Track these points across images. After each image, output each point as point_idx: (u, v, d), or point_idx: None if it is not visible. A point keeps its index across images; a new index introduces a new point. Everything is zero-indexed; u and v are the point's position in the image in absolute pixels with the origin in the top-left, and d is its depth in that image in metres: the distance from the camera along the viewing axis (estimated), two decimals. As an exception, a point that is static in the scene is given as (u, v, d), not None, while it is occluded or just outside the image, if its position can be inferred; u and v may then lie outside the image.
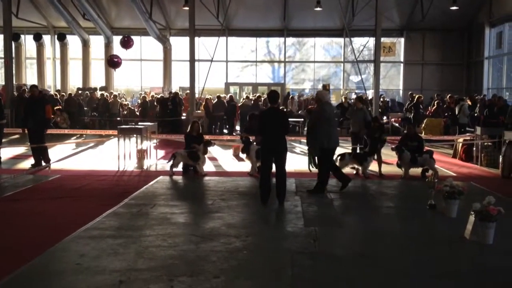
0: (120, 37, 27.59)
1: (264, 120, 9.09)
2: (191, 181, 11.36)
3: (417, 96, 22.49)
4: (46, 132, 13.21)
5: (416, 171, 11.93)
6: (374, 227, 7.70)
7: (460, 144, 15.25)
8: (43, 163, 12.65)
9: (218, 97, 23.81)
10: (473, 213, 6.70)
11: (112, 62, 24.74)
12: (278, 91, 25.64)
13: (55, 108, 18.45)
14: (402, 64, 32.17)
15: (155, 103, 24.06)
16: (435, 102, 22.22)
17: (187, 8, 24.15)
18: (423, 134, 19.84)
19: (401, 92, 31.91)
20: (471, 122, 19.51)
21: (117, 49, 30.01)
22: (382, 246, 6.72)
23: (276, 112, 9.21)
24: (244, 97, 25.62)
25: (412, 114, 22.63)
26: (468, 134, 17.05)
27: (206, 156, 12.16)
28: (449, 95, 22.66)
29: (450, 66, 31.42)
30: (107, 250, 6.18)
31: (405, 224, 7.99)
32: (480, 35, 29.07)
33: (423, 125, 20.32)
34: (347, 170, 12.09)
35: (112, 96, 24.90)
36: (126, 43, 25.39)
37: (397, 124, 23.20)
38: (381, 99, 26.71)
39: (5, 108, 14.64)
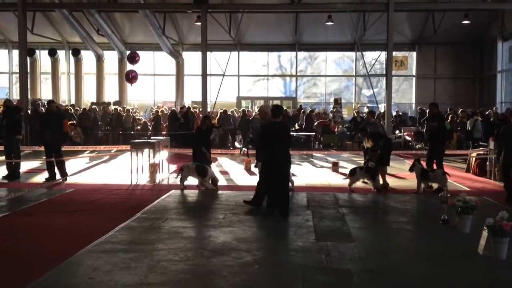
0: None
1: (266, 134, 9.28)
2: (202, 195, 11.39)
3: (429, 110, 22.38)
4: (63, 146, 13.39)
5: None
6: (386, 242, 7.67)
7: (474, 159, 15.15)
8: (60, 177, 12.78)
9: (225, 111, 23.85)
10: (486, 228, 6.66)
11: (129, 77, 25.06)
12: (290, 105, 25.74)
13: (69, 122, 18.63)
14: (414, 78, 32.12)
15: (167, 119, 24.15)
16: (449, 116, 22.11)
17: (199, 24, 24.42)
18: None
19: (413, 106, 31.83)
20: (485, 136, 19.34)
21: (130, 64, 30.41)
22: (394, 261, 6.68)
23: (279, 125, 9.43)
24: (256, 111, 25.64)
25: (425, 128, 22.48)
26: (481, 148, 16.93)
27: (217, 170, 12.26)
28: (461, 109, 22.55)
29: (463, 80, 31.31)
30: (119, 264, 6.22)
31: (417, 239, 7.95)
32: (492, 48, 28.98)
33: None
34: (358, 184, 12.11)
35: (125, 111, 25.12)
36: (133, 59, 25.79)
37: (409, 138, 23.09)
38: (395, 113, 26.69)
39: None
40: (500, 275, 6.15)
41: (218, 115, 23.71)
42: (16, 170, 13.59)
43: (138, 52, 28.15)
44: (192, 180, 12.00)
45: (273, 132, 9.30)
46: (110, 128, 24.75)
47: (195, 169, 11.75)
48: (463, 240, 7.54)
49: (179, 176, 11.82)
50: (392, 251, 7.17)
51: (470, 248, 6.95)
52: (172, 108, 25.79)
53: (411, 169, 11.71)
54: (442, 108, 27.57)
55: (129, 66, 28.93)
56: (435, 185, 11.67)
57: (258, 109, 10.59)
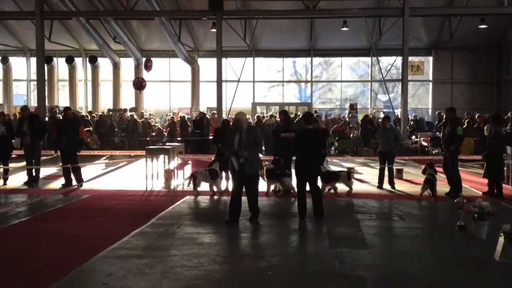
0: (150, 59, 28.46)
1: (301, 141, 9.39)
2: (217, 201, 11.41)
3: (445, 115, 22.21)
4: (79, 153, 13.51)
5: (445, 190, 11.76)
6: (401, 249, 7.60)
7: (491, 164, 14.93)
8: (75, 183, 12.89)
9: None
10: (502, 234, 6.57)
11: (138, 84, 25.42)
12: (305, 110, 25.58)
13: (85, 129, 18.82)
14: (430, 83, 31.87)
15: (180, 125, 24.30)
16: (466, 121, 21.90)
17: (214, 30, 24.54)
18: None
19: (430, 111, 31.58)
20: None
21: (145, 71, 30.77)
22: (409, 268, 6.62)
23: (312, 133, 9.56)
24: (268, 117, 25.32)
25: (442, 134, 22.30)
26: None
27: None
28: (478, 114, 22.31)
29: (480, 85, 30.98)
30: (133, 270, 6.25)
31: (433, 246, 7.85)
32: (510, 53, 28.65)
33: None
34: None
35: (137, 117, 25.29)
36: (146, 65, 26.17)
37: (425, 144, 22.89)
38: (412, 118, 26.51)
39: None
40: (517, 282, 6.07)
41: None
42: (36, 175, 13.75)
43: (154, 59, 28.50)
44: (204, 186, 12.04)
45: (306, 140, 9.39)
46: (126, 134, 24.93)
47: (209, 175, 11.83)
48: (479, 247, 7.45)
49: (191, 183, 11.87)
50: (407, 257, 7.11)
51: (486, 255, 6.86)
52: (182, 115, 25.91)
53: (423, 172, 11.85)
54: (459, 113, 27.46)
55: (144, 73, 29.28)
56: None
57: (234, 117, 9.76)
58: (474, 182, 13.99)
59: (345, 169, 13.26)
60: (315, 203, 9.36)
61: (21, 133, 13.56)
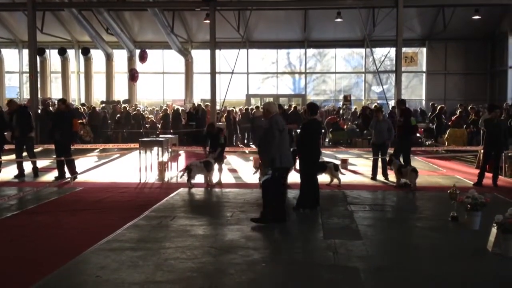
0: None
1: (307, 132, 9.39)
2: (210, 193, 11.39)
3: (439, 107, 22.35)
4: (72, 145, 13.44)
5: (438, 181, 11.78)
6: (394, 240, 7.62)
7: (484, 155, 14.99)
8: (69, 175, 12.83)
9: (246, 109, 24.00)
10: (495, 225, 6.59)
11: (132, 76, 25.45)
12: (299, 102, 25.45)
13: (78, 121, 18.70)
14: (424, 74, 31.92)
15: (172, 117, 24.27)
16: (458, 112, 21.99)
17: (208, 21, 24.42)
18: (446, 144, 19.62)
19: (423, 102, 31.64)
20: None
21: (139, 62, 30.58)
22: (403, 259, 6.65)
23: (318, 124, 9.69)
24: (255, 108, 25.17)
25: (435, 125, 22.46)
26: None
27: (225, 166, 12.40)
28: (471, 106, 22.38)
29: (473, 76, 31.07)
30: (127, 263, 6.23)
31: (426, 236, 7.86)
32: (504, 44, 28.72)
33: (446, 135, 20.11)
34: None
35: (125, 108, 25.23)
36: (141, 57, 26.09)
37: (419, 135, 22.93)
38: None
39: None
40: (510, 272, 6.09)
41: (226, 113, 23.69)
42: (34, 167, 13.69)
43: (147, 50, 28.34)
44: (198, 178, 12.02)
45: (314, 130, 9.46)
46: (119, 126, 24.83)
47: (204, 166, 11.82)
48: (472, 237, 7.48)
49: (184, 175, 11.85)
50: (400, 248, 7.14)
51: (479, 245, 6.89)
52: (176, 107, 25.85)
53: (388, 164, 12.10)
54: (452, 104, 27.66)
55: (138, 64, 29.17)
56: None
57: (262, 107, 9.65)
58: (467, 173, 14.04)
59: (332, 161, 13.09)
60: (313, 193, 9.36)
61: (11, 127, 13.48)
